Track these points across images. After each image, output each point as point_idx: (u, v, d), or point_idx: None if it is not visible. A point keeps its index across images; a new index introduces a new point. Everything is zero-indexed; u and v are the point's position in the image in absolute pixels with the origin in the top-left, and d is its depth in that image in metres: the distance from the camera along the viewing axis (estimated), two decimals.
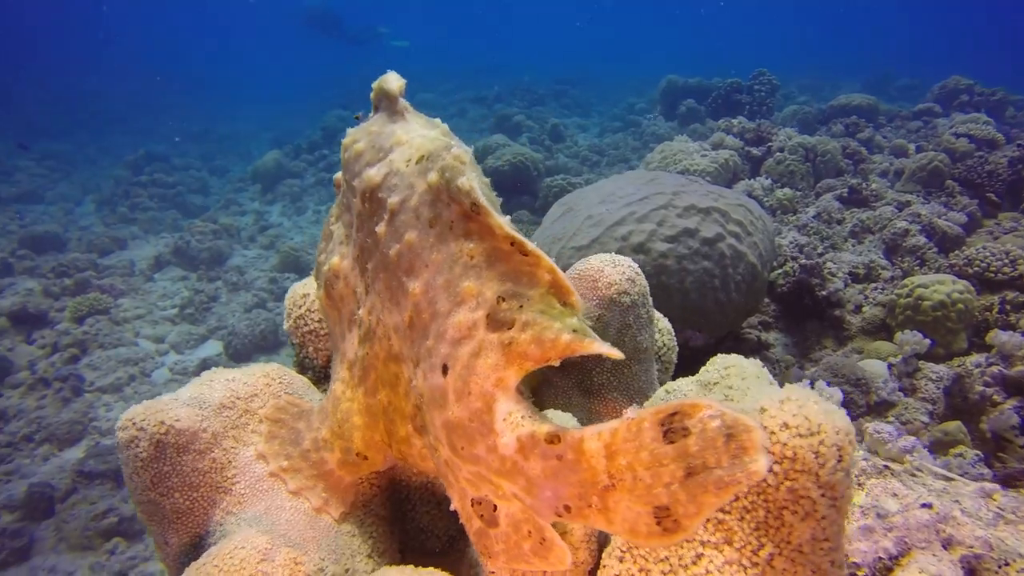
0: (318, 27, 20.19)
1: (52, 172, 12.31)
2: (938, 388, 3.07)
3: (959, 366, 3.20)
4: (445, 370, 0.80)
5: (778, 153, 5.75)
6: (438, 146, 0.94)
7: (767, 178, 5.34)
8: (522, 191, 7.76)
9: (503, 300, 0.78)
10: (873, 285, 4.06)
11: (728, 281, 2.95)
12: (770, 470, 0.76)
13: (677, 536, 0.63)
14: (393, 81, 1.10)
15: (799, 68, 17.12)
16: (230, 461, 1.10)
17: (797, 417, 0.77)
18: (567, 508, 0.70)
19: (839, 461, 0.75)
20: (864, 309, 3.89)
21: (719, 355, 1.06)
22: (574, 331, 0.73)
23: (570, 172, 9.06)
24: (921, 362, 3.23)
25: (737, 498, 0.80)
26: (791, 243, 4.24)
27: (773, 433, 0.77)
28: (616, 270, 1.23)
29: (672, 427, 0.62)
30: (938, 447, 2.86)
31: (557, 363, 0.73)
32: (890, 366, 3.15)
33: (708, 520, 0.81)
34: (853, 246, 4.65)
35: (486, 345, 0.77)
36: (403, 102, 1.08)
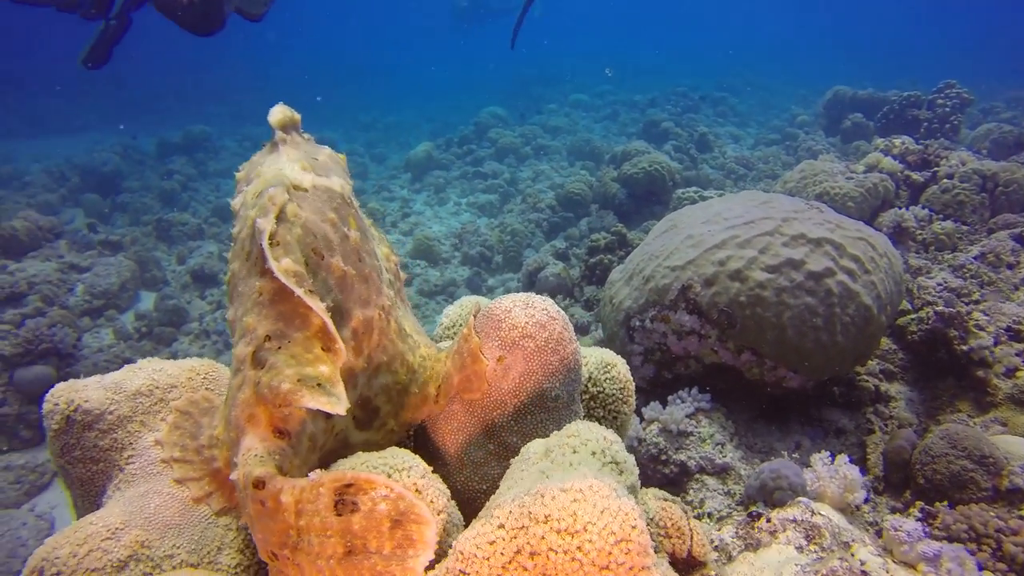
0: (468, 19, 21.04)
1: (247, 152, 14.09)
2: None
3: None
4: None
5: (945, 180, 5.07)
6: (272, 181, 0.98)
7: (925, 208, 4.74)
8: (655, 200, 7.58)
9: (270, 339, 0.83)
10: None
11: (833, 321, 2.70)
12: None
13: None
14: (275, 114, 1.13)
15: (1014, 77, 14.82)
16: (131, 443, 1.20)
17: (565, 511, 0.74)
18: (274, 556, 0.71)
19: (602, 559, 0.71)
20: (1020, 374, 3.34)
21: (577, 422, 1.03)
22: (299, 380, 0.76)
23: (712, 184, 8.67)
24: None
25: None
26: (938, 284, 3.74)
27: (537, 523, 0.74)
28: (525, 312, 1.19)
29: (344, 499, 0.63)
30: None
31: (302, 407, 0.75)
32: None
33: None
34: None
35: (247, 380, 0.82)
36: (281, 133, 1.12)
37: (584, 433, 0.99)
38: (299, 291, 0.82)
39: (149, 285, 7.08)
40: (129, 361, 4.40)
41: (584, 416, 1.34)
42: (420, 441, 1.22)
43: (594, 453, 0.95)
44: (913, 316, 3.48)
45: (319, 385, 0.77)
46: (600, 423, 1.34)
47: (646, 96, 15.83)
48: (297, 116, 1.18)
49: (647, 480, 2.62)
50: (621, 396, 1.37)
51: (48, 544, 1.02)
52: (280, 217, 0.91)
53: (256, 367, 0.82)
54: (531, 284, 5.98)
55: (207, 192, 10.94)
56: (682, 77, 18.40)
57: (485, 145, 12.42)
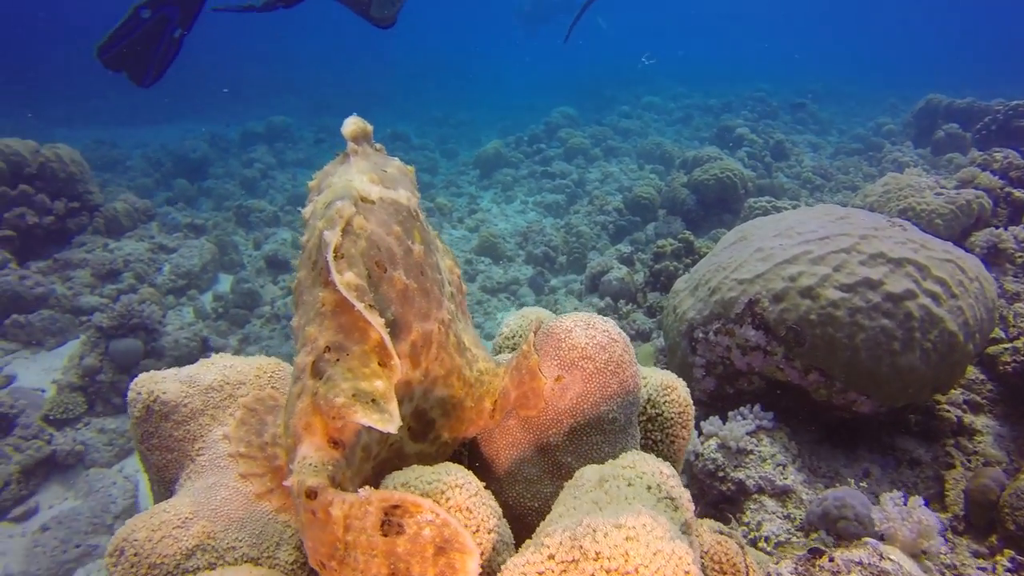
0: (532, 20, 21.12)
1: (321, 143, 14.64)
2: None
3: None
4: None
5: None
6: (341, 193, 1.01)
7: None
8: (725, 208, 7.38)
9: (329, 350, 0.85)
10: None
11: (912, 346, 2.56)
12: None
13: None
14: (348, 126, 1.15)
15: None
16: (202, 435, 1.27)
17: (617, 550, 0.73)
18: (323, 565, 0.72)
19: None
20: None
21: (633, 453, 1.01)
22: (353, 396, 0.77)
23: (786, 194, 8.36)
24: None
25: None
26: None
27: (588, 559, 0.73)
28: (586, 333, 1.18)
29: (391, 519, 0.63)
30: None
31: (355, 422, 0.76)
32: None
33: None
34: None
35: (306, 389, 0.84)
36: (352, 145, 1.14)
37: (640, 465, 0.98)
38: (359, 305, 0.84)
39: (227, 268, 7.47)
40: (206, 340, 4.65)
41: (641, 438, 1.32)
42: (473, 453, 1.22)
43: (649, 487, 0.94)
44: (1007, 346, 3.25)
45: (373, 401, 0.79)
46: (657, 446, 1.34)
47: (721, 100, 15.42)
48: (369, 128, 1.20)
49: (702, 495, 2.57)
50: (680, 420, 1.34)
51: (128, 526, 1.11)
52: (346, 230, 0.94)
53: (315, 377, 0.84)
54: (594, 287, 5.94)
55: (284, 180, 11.43)
56: (760, 81, 17.79)
57: (555, 145, 12.41)
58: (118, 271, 6.60)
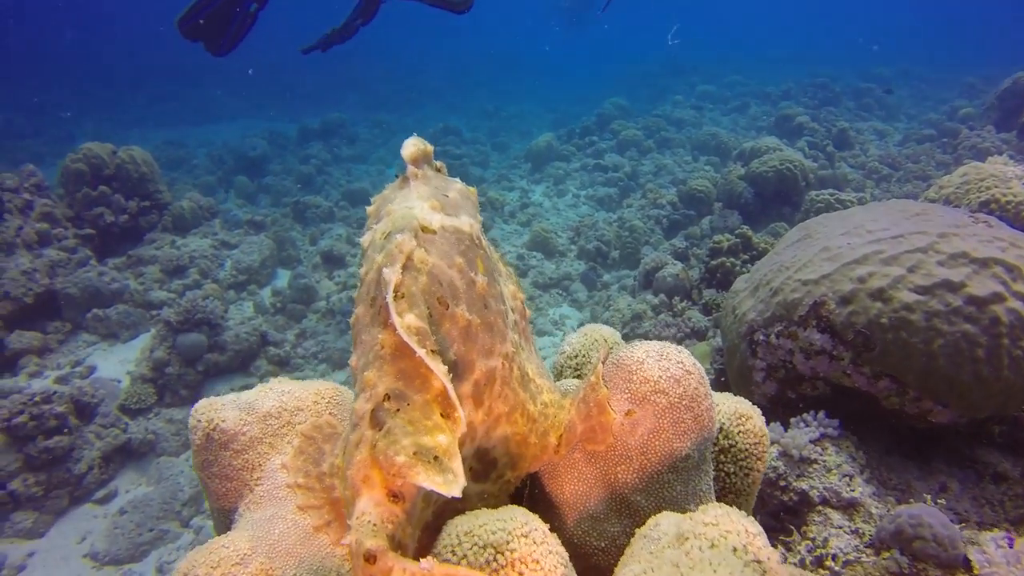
0: (573, 12, 20.99)
1: (376, 139, 14.89)
2: None
3: None
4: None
5: None
6: (401, 224, 0.96)
7: None
8: (784, 201, 7.11)
9: (389, 399, 0.81)
10: None
11: (999, 354, 2.39)
12: None
13: None
14: (408, 147, 1.11)
15: None
16: (260, 464, 1.27)
17: None
18: None
19: None
20: None
21: (715, 507, 0.95)
22: (415, 453, 0.73)
23: (850, 185, 7.99)
24: None
25: None
26: None
27: None
28: (659, 365, 1.12)
29: None
30: None
31: (417, 484, 0.72)
32: None
33: None
34: None
35: (364, 440, 0.80)
36: (413, 168, 1.10)
37: (724, 523, 0.93)
38: (421, 352, 0.81)
39: (285, 263, 7.70)
40: (265, 335, 4.79)
41: (714, 471, 1.27)
42: (536, 485, 1.18)
43: (735, 549, 0.89)
44: None
45: (435, 458, 0.75)
46: (729, 479, 1.28)
47: (779, 87, 14.87)
48: (430, 148, 1.16)
49: (762, 504, 2.49)
50: (755, 452, 1.28)
51: (189, 560, 1.12)
52: (407, 265, 0.90)
53: (374, 427, 0.81)
54: (648, 283, 5.84)
55: (339, 176, 11.68)
56: (821, 66, 17.04)
57: (607, 137, 12.24)
58: (184, 267, 6.90)
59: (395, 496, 0.77)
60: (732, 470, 1.27)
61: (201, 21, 5.05)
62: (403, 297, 0.86)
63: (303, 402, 1.33)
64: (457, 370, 0.94)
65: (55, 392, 4.52)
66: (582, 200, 9.86)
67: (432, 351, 0.83)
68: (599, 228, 7.94)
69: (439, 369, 0.80)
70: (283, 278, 7.33)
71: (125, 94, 18.93)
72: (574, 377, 1.44)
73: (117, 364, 5.69)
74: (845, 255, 2.69)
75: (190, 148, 13.43)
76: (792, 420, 2.66)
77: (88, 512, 4.45)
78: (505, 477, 1.07)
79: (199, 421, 1.29)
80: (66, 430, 4.44)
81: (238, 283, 6.98)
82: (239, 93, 19.40)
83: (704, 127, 12.47)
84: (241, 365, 5.62)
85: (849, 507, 2.23)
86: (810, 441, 2.49)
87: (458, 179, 1.21)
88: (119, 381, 5.44)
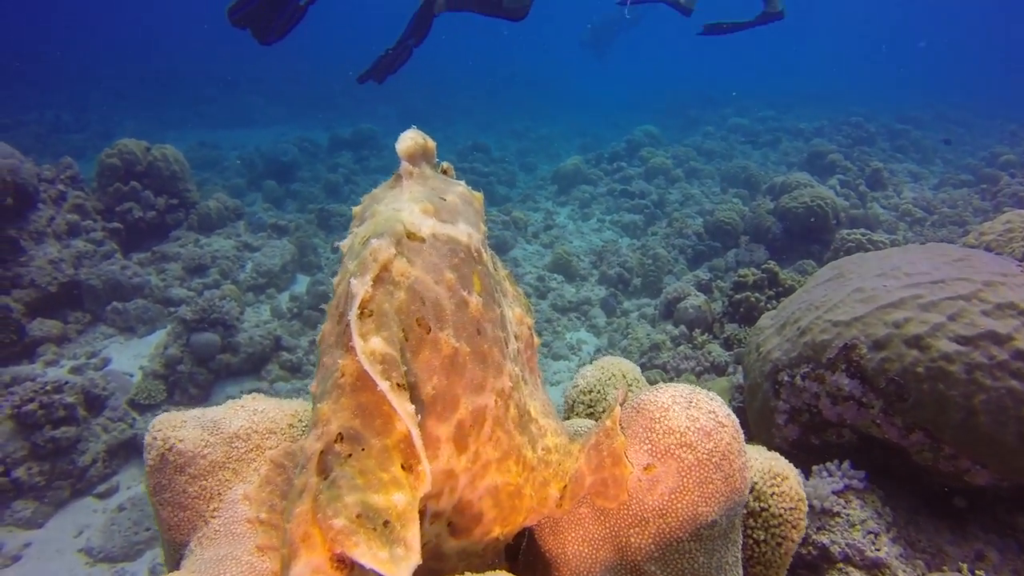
0: (597, 44, 21.20)
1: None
2: None
3: None
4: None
5: None
6: (383, 227, 0.82)
7: None
8: (813, 239, 6.96)
9: (341, 439, 0.67)
10: None
11: None
12: None
13: None
14: (404, 141, 0.96)
15: None
16: (220, 493, 1.09)
17: None
18: None
19: None
20: None
21: None
22: (358, 516, 0.59)
23: (882, 227, 7.80)
24: None
25: None
26: None
27: None
28: (687, 414, 0.97)
29: None
30: None
31: (353, 558, 0.58)
32: None
33: None
34: None
35: (308, 488, 0.66)
36: (407, 166, 0.95)
37: None
38: (383, 384, 0.67)
39: (305, 269, 7.72)
40: (279, 339, 4.75)
41: (743, 537, 1.12)
42: (533, 540, 1.03)
43: None
44: None
45: (385, 524, 0.61)
46: (759, 547, 1.13)
47: (812, 124, 14.71)
48: (431, 144, 1.01)
49: None
50: (790, 518, 1.12)
51: None
52: (381, 277, 0.76)
53: (320, 474, 0.67)
54: (669, 313, 5.72)
55: (366, 186, 11.61)
56: (856, 105, 16.86)
57: (635, 163, 12.19)
58: (206, 266, 6.94)
59: (340, 561, 0.61)
60: (762, 537, 1.12)
61: (252, 11, 5.00)
62: (371, 315, 0.72)
63: (277, 424, 1.16)
64: (436, 408, 0.80)
65: (67, 382, 4.52)
66: (607, 225, 9.78)
67: (399, 385, 0.68)
68: (622, 254, 7.85)
69: (404, 408, 0.66)
70: (302, 284, 7.34)
71: (167, 95, 19.42)
72: (586, 414, 1.30)
73: (131, 358, 5.71)
74: (880, 297, 2.57)
75: (223, 150, 13.67)
76: (814, 468, 2.53)
77: (88, 506, 4.41)
78: (493, 534, 0.91)
79: (155, 439, 1.13)
80: (74, 421, 4.43)
81: (257, 285, 7.00)
82: (277, 100, 19.80)
83: (734, 159, 12.36)
84: (253, 368, 5.60)
85: (873, 568, 2.09)
86: (833, 492, 2.35)
87: (463, 182, 1.06)
88: (131, 375, 5.44)
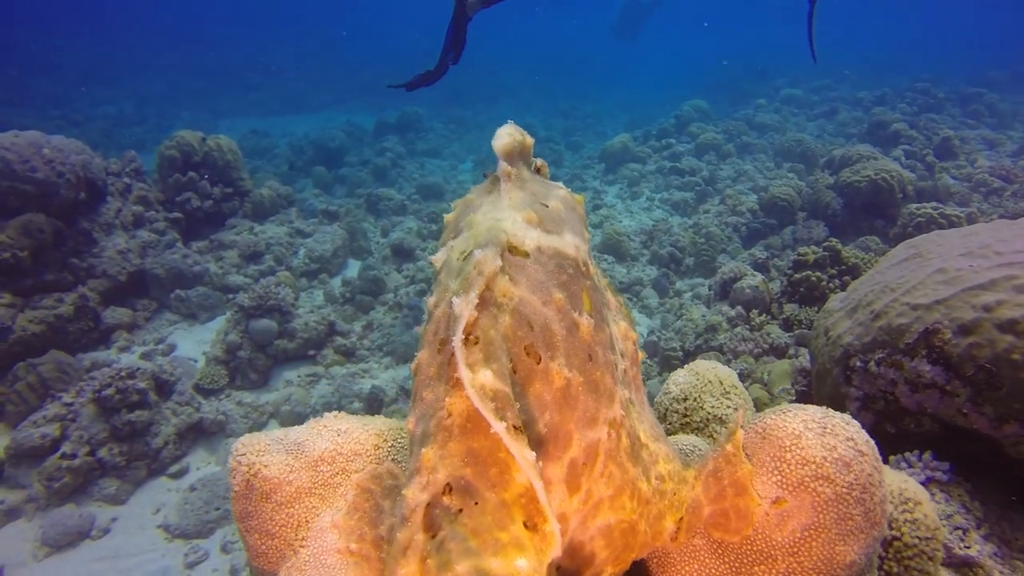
0: (626, 29, 20.64)
1: (451, 134, 15.02)
2: None
3: None
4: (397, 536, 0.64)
5: None
6: (485, 238, 0.72)
7: None
8: (877, 214, 6.63)
9: (451, 491, 0.59)
10: None
11: None
12: None
13: None
14: (502, 137, 0.85)
15: None
16: (307, 520, 1.05)
17: None
18: None
19: None
20: None
21: None
22: None
23: (953, 199, 7.36)
24: None
25: None
26: None
27: None
28: (821, 442, 0.87)
29: None
30: None
31: None
32: None
33: None
34: None
35: (413, 547, 0.59)
36: (505, 166, 0.84)
37: None
38: (498, 426, 0.57)
39: (356, 254, 7.83)
40: (333, 324, 4.81)
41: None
42: (641, 572, 0.95)
43: None
44: None
45: None
46: None
47: (873, 92, 13.96)
48: (529, 140, 0.93)
49: None
50: (927, 550, 1.02)
51: None
52: (485, 297, 0.67)
53: (427, 530, 0.59)
54: (725, 294, 5.56)
55: (413, 170, 11.83)
56: (922, 70, 15.88)
57: (685, 140, 11.85)
58: (260, 253, 7.12)
59: None
60: (896, 571, 1.02)
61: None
62: (477, 343, 0.63)
63: (362, 445, 1.11)
64: (547, 447, 0.71)
65: (138, 368, 4.73)
66: (656, 203, 9.56)
67: (515, 427, 0.59)
68: (673, 233, 7.66)
69: (524, 457, 0.57)
70: (353, 268, 7.46)
71: (218, 85, 19.91)
72: (681, 424, 1.22)
73: (195, 344, 5.93)
74: (966, 279, 2.40)
75: (274, 137, 13.95)
76: (892, 459, 2.41)
77: (163, 485, 4.64)
78: (604, 575, 0.84)
79: (239, 463, 1.09)
80: (147, 405, 4.63)
81: (310, 271, 7.14)
82: (322, 85, 20.06)
83: (788, 132, 11.87)
84: (308, 353, 5.74)
85: (964, 566, 1.98)
86: None
87: (560, 183, 0.96)
88: (195, 361, 5.65)
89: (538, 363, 0.70)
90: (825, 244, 5.25)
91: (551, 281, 0.76)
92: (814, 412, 0.92)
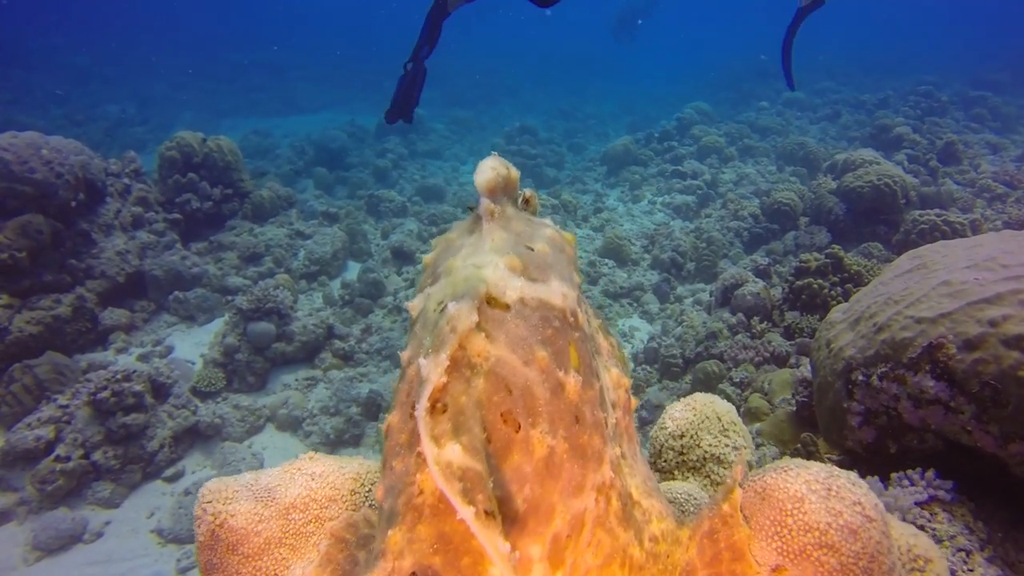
0: (624, 30, 20.63)
1: (453, 134, 14.98)
2: None
3: None
4: None
5: None
6: (462, 288, 0.67)
7: None
8: (880, 220, 6.58)
9: None
10: None
11: None
12: None
13: None
14: (484, 171, 0.79)
15: None
16: (277, 573, 0.98)
17: None
18: None
19: None
20: None
21: None
22: None
23: (957, 204, 7.31)
24: None
25: None
26: None
27: None
28: (826, 507, 0.81)
29: None
30: None
31: None
32: None
33: None
34: None
35: None
36: (488, 204, 0.78)
37: None
38: (467, 512, 0.52)
39: (356, 256, 7.80)
40: (332, 327, 4.76)
41: None
42: None
43: None
44: None
45: None
46: None
47: (876, 95, 13.90)
48: (515, 174, 0.85)
49: None
50: None
51: None
52: (457, 358, 0.61)
53: None
54: (726, 300, 5.52)
55: (414, 171, 11.79)
56: (925, 72, 15.82)
57: (687, 142, 11.80)
58: (260, 255, 7.09)
59: None
60: None
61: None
62: (445, 412, 0.58)
63: (338, 491, 1.04)
64: (527, 523, 0.64)
65: (135, 371, 4.70)
66: (658, 207, 9.52)
67: (486, 512, 0.53)
68: (675, 237, 7.62)
69: (495, 547, 0.51)
70: (353, 271, 7.42)
71: (220, 85, 19.89)
72: (676, 461, 1.16)
73: (193, 346, 5.89)
74: (972, 292, 2.36)
75: (275, 137, 13.92)
76: (894, 476, 2.37)
77: (158, 488, 4.61)
78: None
79: (204, 512, 1.02)
80: (143, 408, 4.60)
81: (310, 273, 7.11)
82: (324, 85, 20.03)
83: (791, 135, 11.82)
84: (307, 356, 5.70)
85: None
86: (916, 504, 2.19)
87: (548, 219, 0.90)
88: (193, 363, 5.62)
89: (517, 431, 0.64)
90: (827, 251, 5.21)
91: (534, 337, 0.70)
92: (818, 472, 0.86)
